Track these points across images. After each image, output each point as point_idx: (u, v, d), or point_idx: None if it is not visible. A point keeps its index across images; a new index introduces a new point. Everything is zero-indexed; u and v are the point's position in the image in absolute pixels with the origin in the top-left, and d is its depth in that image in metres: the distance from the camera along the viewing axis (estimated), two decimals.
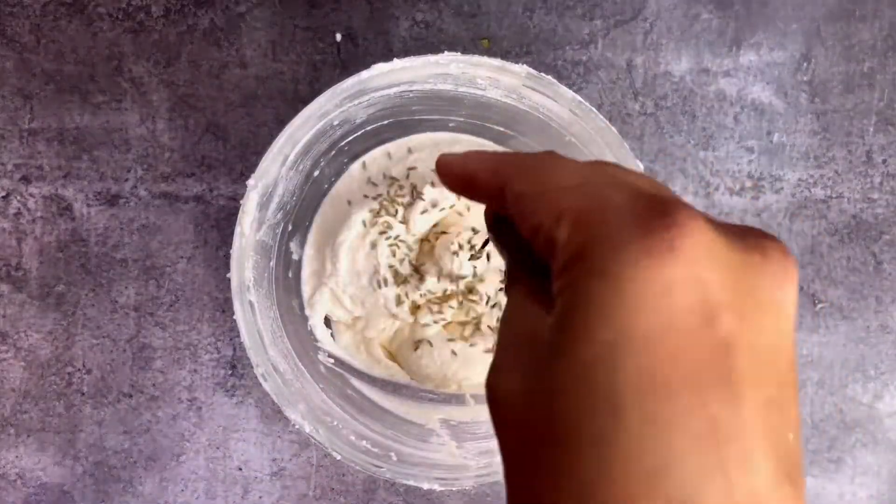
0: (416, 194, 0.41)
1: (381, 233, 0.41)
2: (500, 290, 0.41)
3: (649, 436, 0.15)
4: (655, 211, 0.16)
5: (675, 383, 0.15)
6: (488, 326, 0.41)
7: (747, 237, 0.17)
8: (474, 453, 0.38)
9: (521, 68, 0.35)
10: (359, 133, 0.40)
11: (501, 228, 0.23)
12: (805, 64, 0.44)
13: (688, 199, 0.44)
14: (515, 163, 0.21)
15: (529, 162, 0.20)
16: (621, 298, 0.15)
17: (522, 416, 0.17)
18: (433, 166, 0.23)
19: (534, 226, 0.18)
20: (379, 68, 0.35)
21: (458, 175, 0.22)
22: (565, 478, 0.15)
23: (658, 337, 0.15)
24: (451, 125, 0.42)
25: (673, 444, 0.15)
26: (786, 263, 0.17)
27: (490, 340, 0.41)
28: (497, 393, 0.18)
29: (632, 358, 0.15)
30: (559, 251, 0.17)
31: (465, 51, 0.35)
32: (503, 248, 0.23)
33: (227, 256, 0.36)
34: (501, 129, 0.41)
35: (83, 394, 0.44)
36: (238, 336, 0.36)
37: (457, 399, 0.42)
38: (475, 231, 0.40)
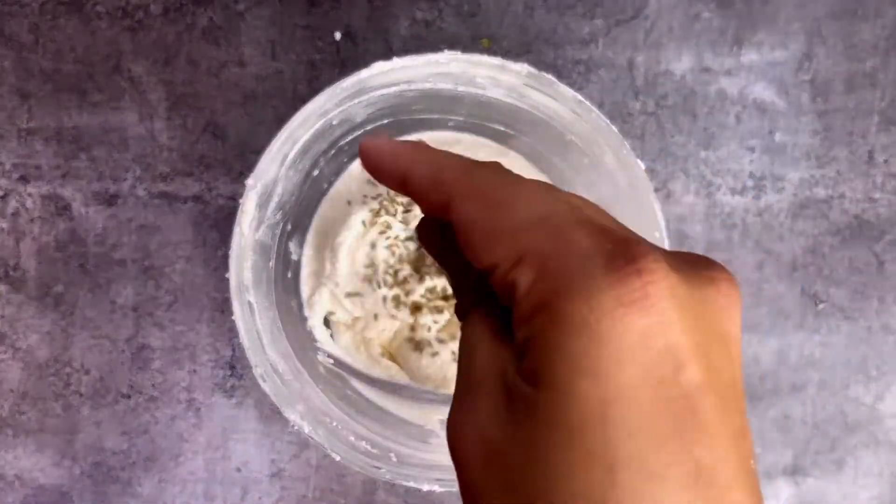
0: None
1: (381, 233, 0.41)
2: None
3: (643, 488, 0.15)
4: (625, 255, 0.16)
5: (662, 433, 0.15)
6: None
7: (699, 269, 0.17)
8: None
9: (522, 67, 0.34)
10: (358, 132, 0.40)
11: (445, 234, 0.20)
12: (807, 63, 0.44)
13: (689, 199, 0.44)
14: (460, 177, 0.19)
15: (477, 179, 0.18)
16: (602, 351, 0.15)
17: (495, 468, 0.16)
18: None
19: (489, 264, 0.17)
20: (379, 67, 0.34)
21: (387, 171, 0.20)
22: None
23: (641, 388, 0.15)
24: (450, 124, 0.42)
25: (666, 493, 0.15)
26: (732, 292, 0.17)
27: None
28: (460, 437, 0.17)
29: (621, 413, 0.15)
30: (521, 298, 0.17)
31: (465, 50, 0.35)
32: (444, 263, 0.21)
33: (226, 256, 0.35)
34: (502, 128, 0.41)
35: (81, 394, 0.44)
36: (237, 336, 0.36)
37: None
38: None
